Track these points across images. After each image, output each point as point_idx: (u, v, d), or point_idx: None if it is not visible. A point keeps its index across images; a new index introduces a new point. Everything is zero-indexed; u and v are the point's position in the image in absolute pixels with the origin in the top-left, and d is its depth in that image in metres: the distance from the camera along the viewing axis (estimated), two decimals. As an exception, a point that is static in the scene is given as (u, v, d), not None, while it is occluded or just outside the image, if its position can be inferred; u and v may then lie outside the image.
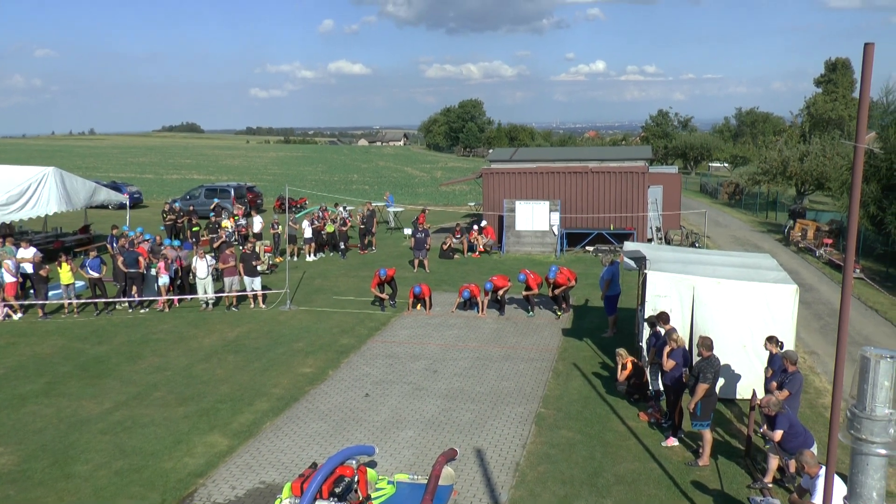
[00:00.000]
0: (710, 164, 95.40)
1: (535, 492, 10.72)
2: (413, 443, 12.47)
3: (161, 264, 21.46)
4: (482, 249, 30.64)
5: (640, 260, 16.42)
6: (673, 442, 12.32)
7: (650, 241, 30.60)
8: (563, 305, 20.79)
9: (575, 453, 11.98)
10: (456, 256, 29.90)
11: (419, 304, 21.40)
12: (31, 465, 11.87)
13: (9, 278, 21.19)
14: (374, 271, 26.57)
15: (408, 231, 32.92)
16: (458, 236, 30.88)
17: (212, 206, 36.51)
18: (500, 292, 20.93)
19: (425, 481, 10.70)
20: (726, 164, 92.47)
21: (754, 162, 61.80)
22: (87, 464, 11.88)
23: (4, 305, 21.19)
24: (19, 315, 21.25)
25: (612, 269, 18.54)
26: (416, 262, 27.24)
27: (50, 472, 11.66)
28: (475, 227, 31.88)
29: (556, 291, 20.36)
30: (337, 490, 9.49)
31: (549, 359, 16.83)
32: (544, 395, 14.62)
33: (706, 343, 11.66)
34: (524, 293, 20.91)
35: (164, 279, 21.53)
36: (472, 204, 45.13)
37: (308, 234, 29.68)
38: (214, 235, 28.12)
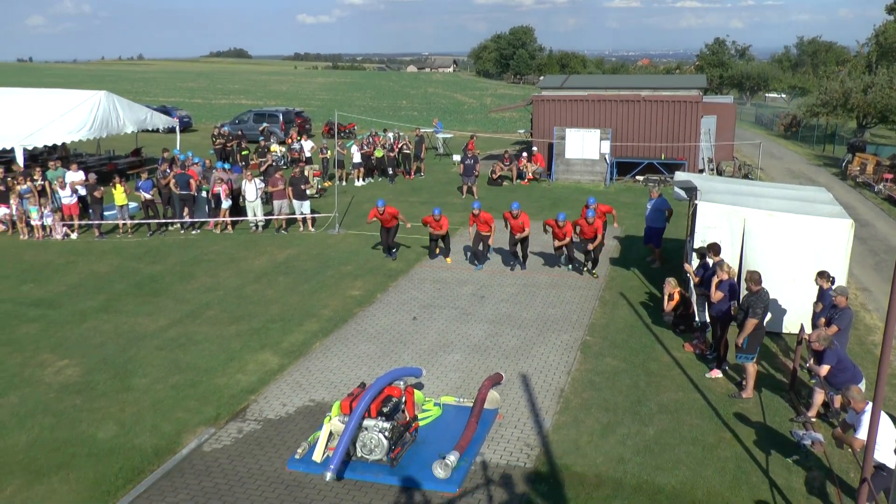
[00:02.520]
0: (767, 95, 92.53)
1: (579, 418, 10.84)
2: (459, 366, 12.66)
3: (224, 188, 21.75)
4: (531, 177, 30.42)
5: (691, 190, 16.16)
6: (717, 374, 12.29)
7: (701, 171, 30.02)
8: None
9: (619, 381, 12.04)
10: (504, 184, 29.75)
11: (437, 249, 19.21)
12: (94, 377, 12.38)
13: (66, 199, 21.73)
14: (423, 198, 26.72)
15: (456, 157, 32.74)
16: (507, 163, 30.64)
17: (260, 130, 36.69)
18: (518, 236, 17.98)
19: (471, 404, 10.91)
20: (783, 95, 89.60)
21: (814, 93, 59.75)
22: (145, 377, 12.34)
23: (63, 225, 21.79)
24: (76, 235, 21.85)
25: (657, 202, 18.05)
26: (465, 188, 27.19)
27: (111, 384, 12.14)
28: (524, 154, 31.59)
29: (592, 246, 17.33)
30: (385, 409, 9.71)
31: (596, 287, 16.81)
32: (590, 322, 14.65)
33: (755, 277, 11.46)
34: (555, 245, 17.84)
35: (226, 203, 21.84)
36: (522, 131, 44.60)
37: (357, 159, 29.74)
38: (263, 159, 28.32)
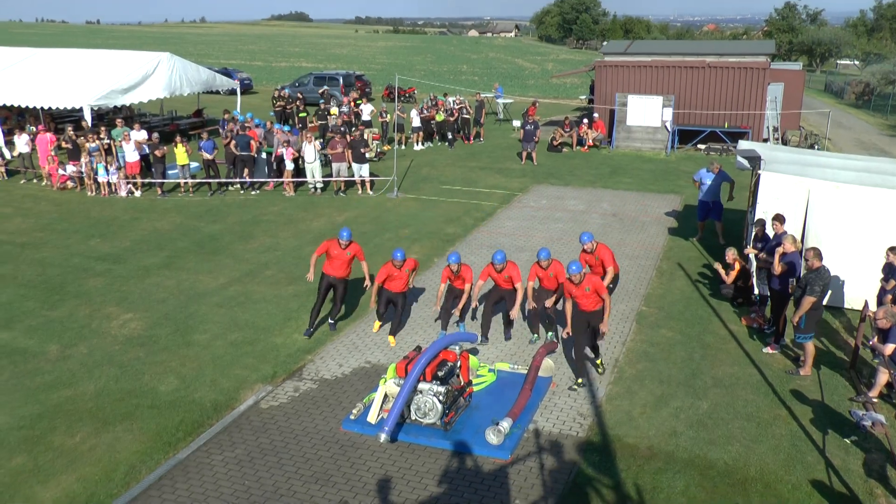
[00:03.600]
0: (839, 62, 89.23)
1: (632, 389, 10.77)
2: (515, 333, 12.65)
3: (290, 150, 22.00)
4: (591, 144, 30.04)
5: (754, 160, 15.75)
6: (774, 349, 12.04)
7: (766, 141, 29.24)
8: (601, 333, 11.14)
9: (674, 353, 11.91)
10: (564, 150, 29.45)
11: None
12: (157, 332, 12.74)
13: (129, 157, 22.23)
14: (482, 163, 26.61)
15: (516, 123, 32.49)
16: (568, 130, 30.29)
17: (320, 93, 36.88)
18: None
19: (525, 371, 10.93)
20: (857, 62, 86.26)
21: (891, 59, 57.44)
22: (205, 333, 12.65)
23: (127, 183, 22.32)
24: (140, 192, 22.37)
25: (720, 175, 17.35)
26: (524, 154, 27.00)
27: (173, 338, 12.49)
28: (585, 120, 31.17)
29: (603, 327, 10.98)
30: (440, 373, 9.79)
31: (654, 257, 16.59)
32: (647, 293, 14.49)
33: (816, 253, 11.13)
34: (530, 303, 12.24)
35: (290, 165, 22.10)
36: (584, 97, 43.98)
37: (416, 122, 29.73)
38: (323, 122, 28.50)
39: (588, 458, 9.09)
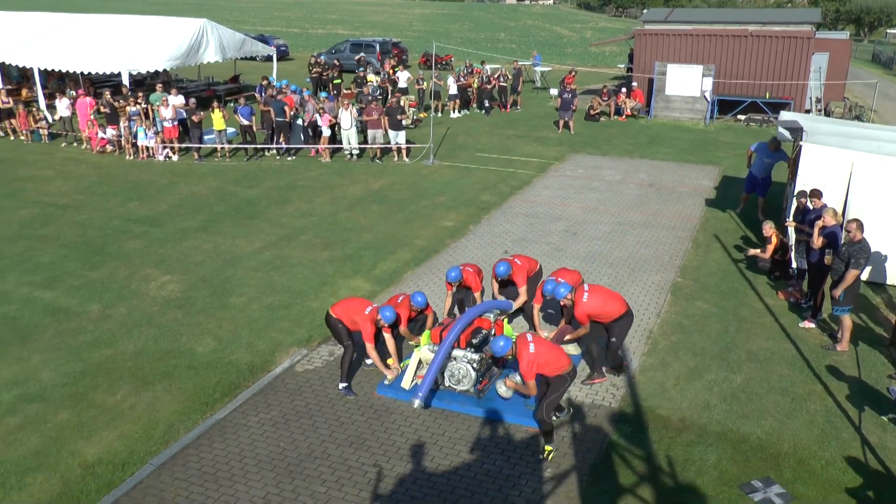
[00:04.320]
0: (888, 31, 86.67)
1: (666, 361, 10.73)
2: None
3: (326, 117, 22.05)
4: (629, 113, 29.66)
5: (796, 131, 15.43)
6: (811, 324, 11.88)
7: (808, 112, 28.63)
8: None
9: (708, 326, 11.82)
10: (602, 119, 29.13)
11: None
12: (194, 294, 12.94)
13: (167, 122, 22.43)
14: (519, 132, 26.43)
15: (554, 91, 32.17)
16: (606, 99, 29.92)
17: (357, 59, 36.76)
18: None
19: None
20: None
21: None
22: (241, 296, 12.81)
23: (165, 147, 22.55)
24: (177, 157, 22.59)
25: (777, 155, 16.80)
26: (562, 123, 26.75)
27: (210, 301, 12.67)
28: (623, 89, 30.76)
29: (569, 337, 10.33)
30: (474, 341, 9.82)
31: (691, 228, 16.42)
32: (682, 264, 14.37)
33: (859, 225, 10.90)
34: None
35: (326, 131, 22.14)
36: (622, 66, 43.34)
37: (453, 90, 29.57)
38: (360, 89, 28.44)
39: (620, 428, 9.11)
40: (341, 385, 9.83)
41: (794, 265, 13.52)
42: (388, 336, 9.81)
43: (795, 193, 13.50)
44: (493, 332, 10.22)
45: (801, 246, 13.05)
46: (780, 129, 16.68)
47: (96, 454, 8.66)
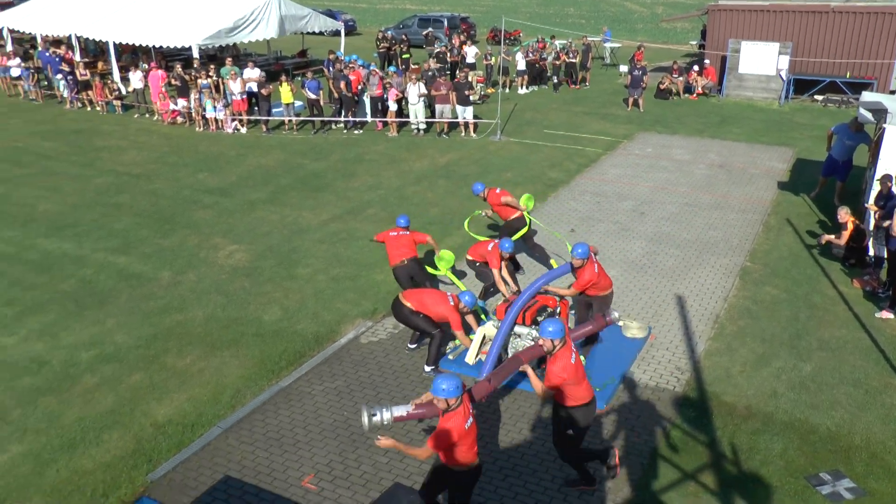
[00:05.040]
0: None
1: (733, 346, 10.51)
2: (615, 281, 12.27)
3: (393, 91, 22.11)
4: (700, 91, 28.95)
5: (880, 112, 14.84)
6: (888, 315, 11.43)
7: (893, 93, 27.50)
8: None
9: (778, 312, 11.52)
10: (672, 97, 28.52)
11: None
12: (261, 264, 13.17)
13: (237, 95, 22.77)
14: (587, 108, 26.08)
15: (623, 68, 31.61)
16: (676, 76, 29.26)
17: (424, 34, 36.68)
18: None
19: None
20: None
21: None
22: (307, 267, 12.99)
23: (233, 119, 22.91)
24: (245, 129, 22.93)
25: (860, 136, 16.10)
26: (631, 100, 26.30)
27: (277, 270, 12.89)
28: (695, 67, 30.03)
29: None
30: (539, 318, 9.76)
31: (762, 211, 16.00)
32: (752, 248, 14.02)
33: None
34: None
35: (393, 106, 22.21)
36: (694, 42, 42.30)
37: (521, 66, 29.29)
38: (441, 65, 28.36)
39: (684, 413, 8.97)
40: (428, 368, 9.79)
41: (871, 252, 13.06)
42: (470, 318, 9.88)
43: (879, 177, 12.99)
44: (558, 311, 10.14)
45: (880, 232, 12.57)
46: (861, 111, 16.06)
47: (167, 415, 8.93)
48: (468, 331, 10.09)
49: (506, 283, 10.78)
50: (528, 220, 12.55)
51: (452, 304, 9.53)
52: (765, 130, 23.32)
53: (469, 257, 11.43)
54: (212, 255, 13.58)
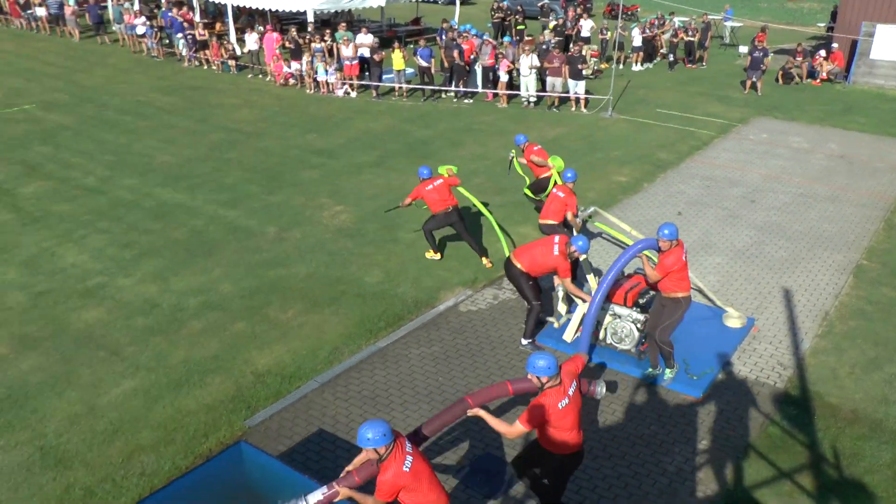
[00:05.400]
0: None
1: (842, 346, 10.03)
2: (720, 269, 12.13)
3: (505, 62, 21.98)
4: (825, 77, 27.53)
5: None
6: None
7: None
8: None
9: (894, 315, 10.94)
10: (794, 82, 27.26)
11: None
12: (365, 226, 13.39)
13: (349, 60, 23.07)
14: (702, 89, 25.24)
15: (743, 49, 30.33)
16: (800, 59, 27.91)
17: (540, 6, 36.16)
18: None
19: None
20: None
21: None
22: (410, 232, 13.12)
23: (344, 83, 23.23)
24: (355, 94, 23.23)
25: None
26: (749, 83, 25.24)
27: (380, 233, 13.08)
28: (821, 51, 28.56)
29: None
30: (641, 301, 9.53)
31: (884, 207, 15.16)
32: (869, 245, 13.31)
33: None
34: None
35: (504, 76, 22.09)
36: (822, 24, 40.30)
37: (637, 42, 28.53)
38: (559, 38, 27.95)
39: (784, 410, 8.66)
40: (524, 341, 9.72)
41: None
42: (571, 287, 9.46)
43: None
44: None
45: None
46: None
47: (266, 365, 9.23)
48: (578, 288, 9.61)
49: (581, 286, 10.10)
50: (554, 180, 12.83)
51: (558, 251, 9.12)
52: (894, 122, 22.03)
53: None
54: (317, 215, 13.88)
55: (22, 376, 9.14)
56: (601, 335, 9.58)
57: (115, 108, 21.77)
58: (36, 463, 7.75)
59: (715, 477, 7.60)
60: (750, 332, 10.23)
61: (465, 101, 22.64)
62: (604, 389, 7.07)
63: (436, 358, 9.44)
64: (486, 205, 12.63)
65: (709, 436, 8.14)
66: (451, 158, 17.11)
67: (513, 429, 6.27)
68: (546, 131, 19.50)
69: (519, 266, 9.38)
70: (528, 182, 13.96)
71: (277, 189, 15.14)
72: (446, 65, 22.79)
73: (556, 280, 9.81)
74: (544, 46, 23.19)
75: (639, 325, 9.27)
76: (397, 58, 22.62)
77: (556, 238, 9.33)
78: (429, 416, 8.31)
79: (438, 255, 12.16)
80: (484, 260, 11.96)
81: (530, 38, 28.05)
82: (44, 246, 12.75)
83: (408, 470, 5.50)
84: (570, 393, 6.28)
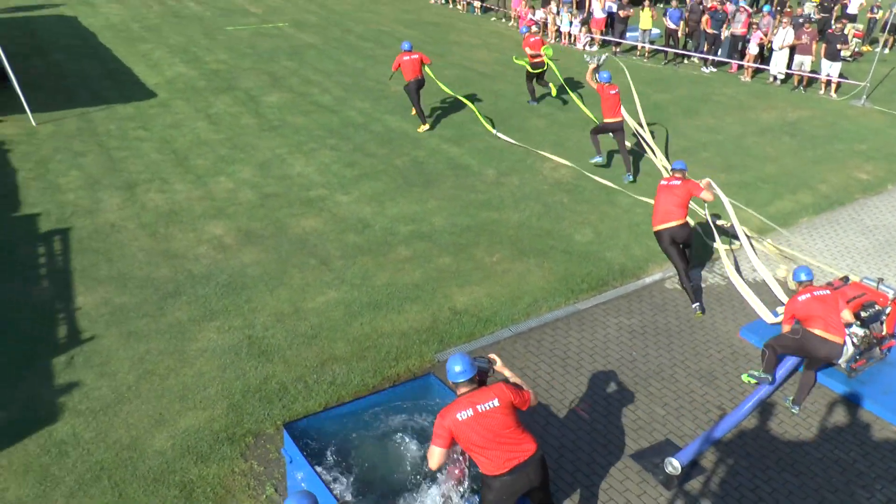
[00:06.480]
0: None
1: None
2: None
3: (757, 34, 20.51)
4: None
5: None
6: None
7: None
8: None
9: None
10: None
11: None
12: (583, 183, 13.07)
13: (598, 13, 22.43)
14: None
15: None
16: None
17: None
18: None
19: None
20: None
21: None
22: (628, 198, 12.59)
23: (587, 34, 22.67)
24: (597, 48, 22.60)
25: None
26: None
27: (597, 194, 12.69)
28: None
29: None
30: (863, 314, 8.59)
31: None
32: None
33: None
34: None
35: (754, 48, 20.62)
36: None
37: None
38: (800, 8, 25.75)
39: None
40: (694, 306, 9.55)
41: None
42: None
43: None
44: (886, 312, 8.88)
45: None
46: None
47: (464, 304, 9.29)
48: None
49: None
50: (545, 64, 16.72)
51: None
52: None
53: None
54: (538, 164, 13.72)
55: (242, 268, 9.83)
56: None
57: (357, 34, 22.63)
58: (243, 349, 8.32)
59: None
60: None
61: (707, 69, 21.34)
62: None
63: (633, 331, 9.07)
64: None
65: (926, 477, 7.23)
66: (684, 128, 16.29)
67: (429, 454, 5.29)
68: (787, 112, 17.92)
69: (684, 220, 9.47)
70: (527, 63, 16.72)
71: (503, 133, 15.09)
72: (697, 27, 21.52)
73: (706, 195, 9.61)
74: (801, 20, 21.21)
75: (854, 340, 8.19)
76: (645, 16, 21.72)
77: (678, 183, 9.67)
78: (616, 390, 8.04)
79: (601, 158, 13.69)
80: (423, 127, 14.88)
81: (789, 10, 25.82)
82: (277, 152, 13.59)
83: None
84: (484, 408, 5.21)
